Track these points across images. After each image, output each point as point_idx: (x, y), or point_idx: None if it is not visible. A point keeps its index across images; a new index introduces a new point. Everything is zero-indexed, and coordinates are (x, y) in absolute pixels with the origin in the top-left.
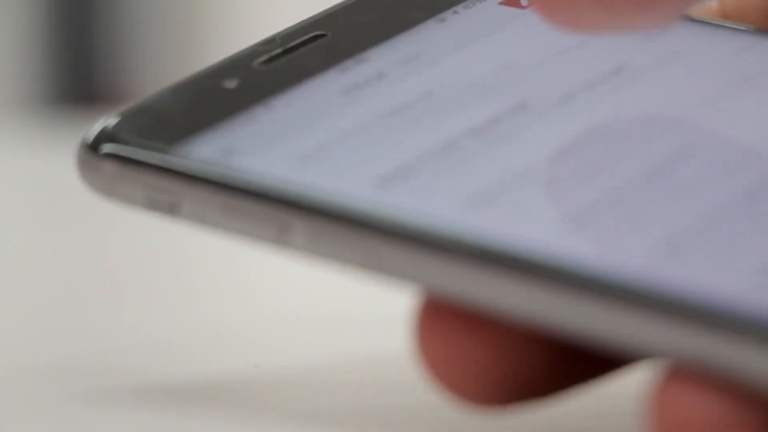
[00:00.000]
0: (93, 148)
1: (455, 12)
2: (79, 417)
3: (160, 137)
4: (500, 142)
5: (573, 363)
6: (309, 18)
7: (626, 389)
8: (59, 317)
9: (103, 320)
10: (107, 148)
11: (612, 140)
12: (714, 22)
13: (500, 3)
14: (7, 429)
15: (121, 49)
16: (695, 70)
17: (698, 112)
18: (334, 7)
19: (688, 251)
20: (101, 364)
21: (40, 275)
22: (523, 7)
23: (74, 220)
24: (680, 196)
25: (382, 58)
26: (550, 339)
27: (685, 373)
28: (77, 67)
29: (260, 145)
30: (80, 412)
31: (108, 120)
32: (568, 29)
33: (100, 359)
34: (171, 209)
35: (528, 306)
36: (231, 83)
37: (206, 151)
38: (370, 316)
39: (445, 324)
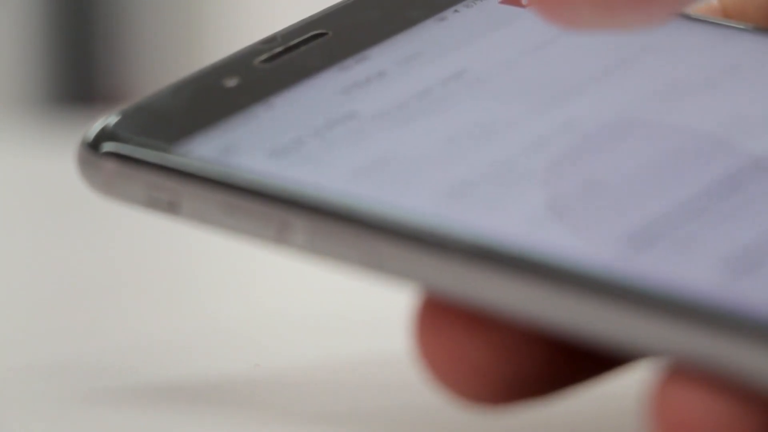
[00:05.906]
0: (93, 146)
1: (456, 11)
2: (79, 417)
3: (160, 136)
4: (501, 139)
5: (572, 361)
6: (310, 16)
7: (626, 389)
8: (59, 317)
9: (103, 320)
10: (107, 146)
11: (609, 136)
12: (714, 21)
13: (500, 2)
14: (7, 429)
15: (121, 49)
16: (693, 68)
17: (694, 110)
18: (334, 5)
19: (688, 249)
20: (101, 364)
21: (40, 275)
22: (524, 6)
23: (74, 220)
24: (683, 190)
25: (382, 56)
26: (549, 337)
27: (685, 373)
28: (77, 67)
29: (260, 144)
30: (80, 412)
31: (108, 118)
32: (565, 27)
33: (100, 359)
34: (171, 208)
35: (527, 305)
36: (231, 82)
37: (206, 149)
38: (370, 316)
39: (444, 323)
